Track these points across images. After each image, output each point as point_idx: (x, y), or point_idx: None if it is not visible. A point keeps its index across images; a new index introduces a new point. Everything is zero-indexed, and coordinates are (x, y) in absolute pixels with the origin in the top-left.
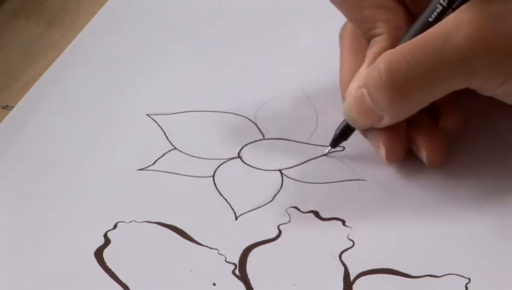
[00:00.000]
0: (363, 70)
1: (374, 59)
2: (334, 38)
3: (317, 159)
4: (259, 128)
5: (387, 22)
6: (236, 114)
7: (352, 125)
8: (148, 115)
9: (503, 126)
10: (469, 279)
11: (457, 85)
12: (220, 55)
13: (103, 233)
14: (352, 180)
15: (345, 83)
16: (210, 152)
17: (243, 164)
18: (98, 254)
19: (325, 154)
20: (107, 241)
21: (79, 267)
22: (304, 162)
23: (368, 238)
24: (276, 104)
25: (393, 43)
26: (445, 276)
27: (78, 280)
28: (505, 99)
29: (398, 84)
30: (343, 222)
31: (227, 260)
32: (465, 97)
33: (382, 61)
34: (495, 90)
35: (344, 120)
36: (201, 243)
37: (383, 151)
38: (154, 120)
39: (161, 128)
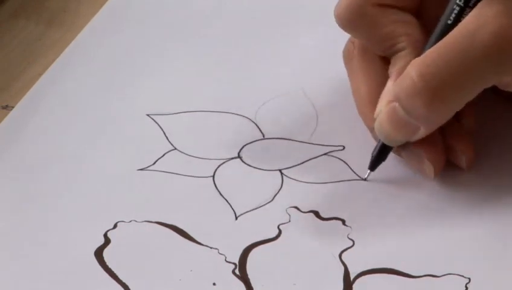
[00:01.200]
0: (390, 85)
1: (400, 74)
2: (334, 38)
3: (317, 159)
4: (259, 128)
5: (408, 36)
6: (237, 114)
7: (387, 143)
8: (148, 115)
9: (499, 124)
10: (469, 279)
11: (489, 82)
12: (220, 55)
13: (103, 233)
14: (352, 180)
15: (364, 105)
16: (210, 152)
17: (243, 163)
18: (98, 254)
19: (365, 179)
20: (107, 241)
21: (79, 267)
22: (304, 162)
23: (368, 238)
24: (276, 104)
25: (417, 55)
26: (445, 276)
27: (78, 279)
28: None
29: (433, 88)
30: (343, 222)
31: (227, 259)
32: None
33: (413, 70)
34: None
35: (379, 140)
36: (202, 242)
37: (429, 167)
38: (154, 120)
39: (161, 128)
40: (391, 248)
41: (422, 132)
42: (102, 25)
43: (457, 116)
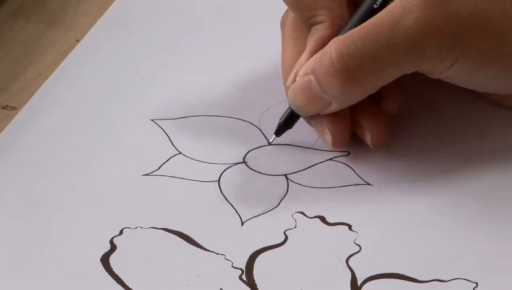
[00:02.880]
0: (304, 57)
1: (316, 46)
2: None
3: (323, 163)
4: (263, 134)
5: (329, 10)
6: (241, 119)
7: (298, 112)
8: (152, 120)
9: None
10: (476, 283)
11: (408, 69)
12: (225, 60)
13: (109, 239)
14: (358, 185)
15: (286, 69)
16: (215, 157)
17: (248, 169)
18: (105, 260)
19: (269, 144)
20: (113, 248)
21: (85, 274)
22: (309, 167)
23: (375, 243)
24: (281, 109)
25: (335, 31)
26: (453, 280)
27: (85, 286)
28: (453, 81)
29: (350, 70)
30: (350, 227)
31: (234, 265)
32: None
33: (333, 48)
34: (444, 73)
35: (288, 108)
36: (208, 248)
37: (328, 137)
38: (159, 125)
39: (166, 133)
40: (398, 252)
41: (333, 108)
42: (106, 28)
43: (377, 97)
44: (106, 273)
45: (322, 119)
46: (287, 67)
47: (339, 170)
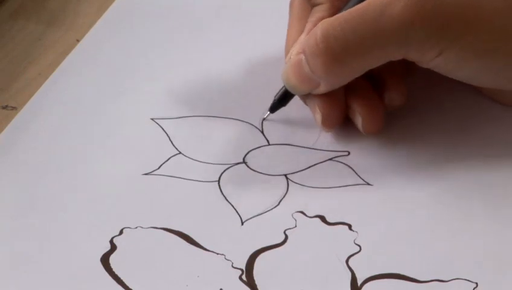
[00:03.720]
0: (303, 37)
1: (313, 27)
2: None
3: (323, 163)
4: (263, 134)
5: None
6: (241, 120)
7: (291, 91)
8: (152, 119)
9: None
10: (476, 283)
11: (393, 55)
12: (225, 60)
13: (109, 239)
14: (358, 185)
15: (287, 49)
16: (215, 157)
17: (248, 169)
18: (105, 260)
19: (263, 120)
20: (113, 247)
21: (85, 274)
22: (309, 167)
23: (375, 243)
24: (280, 110)
25: (334, 12)
26: (453, 281)
27: (85, 286)
28: (441, 70)
29: (333, 51)
30: (350, 227)
31: (234, 265)
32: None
33: (319, 28)
34: (431, 62)
35: (283, 86)
36: (208, 248)
37: (319, 117)
38: (159, 124)
39: (166, 132)
40: (398, 252)
41: (322, 88)
42: (106, 28)
43: (381, 87)
44: (106, 273)
45: (315, 99)
46: (289, 46)
47: (339, 170)
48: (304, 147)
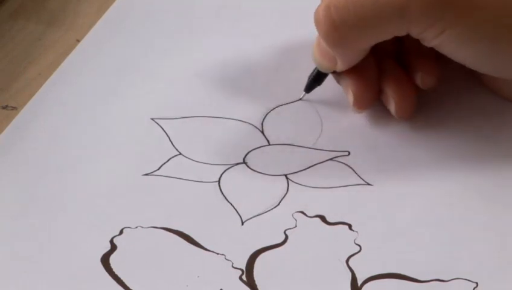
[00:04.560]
0: None
1: None
2: None
3: (323, 164)
4: (264, 135)
5: None
6: (242, 121)
7: (318, 68)
8: (152, 119)
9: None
10: (476, 283)
11: (395, 31)
12: (225, 60)
13: (109, 239)
14: (358, 185)
15: None
16: (215, 157)
17: (248, 169)
18: (105, 260)
19: (300, 99)
20: (114, 247)
21: (86, 274)
22: (310, 167)
23: (375, 243)
24: (281, 110)
25: None
26: (453, 280)
27: (85, 286)
28: (444, 51)
29: (333, 20)
30: (350, 227)
31: (234, 265)
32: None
33: (324, 0)
34: (434, 41)
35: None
36: (208, 248)
37: (350, 96)
38: (159, 124)
39: (166, 133)
40: (398, 252)
41: (339, 64)
42: (106, 28)
43: (413, 68)
44: (106, 274)
45: (347, 79)
46: None
47: (339, 170)
48: (304, 147)
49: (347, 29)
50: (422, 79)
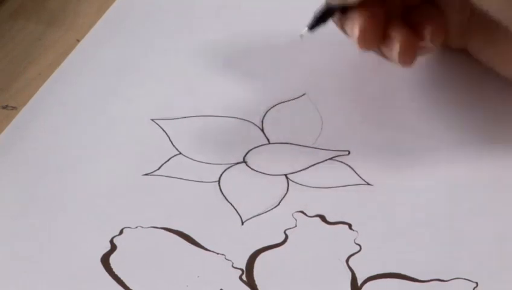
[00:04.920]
0: None
1: None
2: (338, 42)
3: (323, 163)
4: (264, 133)
5: None
6: (241, 119)
7: (329, 1)
8: (152, 120)
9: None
10: (476, 283)
11: None
12: (225, 59)
13: (109, 239)
14: (358, 185)
15: None
16: (215, 157)
17: (248, 168)
18: (105, 260)
19: (301, 36)
20: (113, 247)
21: (85, 274)
22: (310, 167)
23: (375, 243)
24: (281, 109)
25: None
26: (453, 280)
27: (85, 286)
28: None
29: None
30: (350, 226)
31: (234, 265)
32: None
33: None
34: None
35: (324, 1)
36: (208, 248)
37: (356, 32)
38: (159, 125)
39: (166, 133)
40: (398, 252)
41: None
42: (106, 28)
43: (420, 25)
44: (106, 274)
45: (353, 16)
46: None
47: (339, 170)
48: (304, 147)
49: None
50: (431, 32)
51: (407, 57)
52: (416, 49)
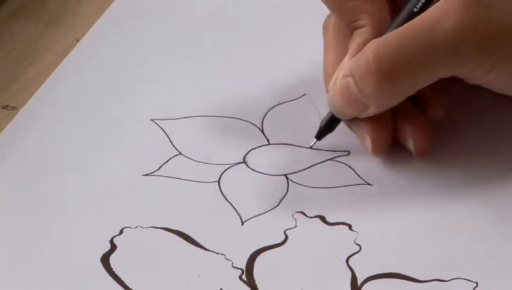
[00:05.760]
0: (347, 60)
1: (357, 50)
2: None
3: (323, 164)
4: (264, 134)
5: (371, 14)
6: (241, 119)
7: (337, 115)
8: (152, 120)
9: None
10: (476, 283)
11: (445, 73)
12: (225, 60)
13: (109, 239)
14: (358, 185)
15: (328, 75)
16: (215, 157)
17: (248, 169)
18: (105, 260)
19: (311, 147)
20: (113, 247)
21: (85, 274)
22: (309, 167)
23: (375, 243)
24: (281, 109)
25: (377, 35)
26: (453, 280)
27: (85, 286)
28: (491, 87)
29: (386, 70)
30: (350, 227)
31: (234, 265)
32: (448, 86)
33: (370, 49)
34: (482, 78)
35: (329, 112)
36: (208, 248)
37: (368, 142)
38: (159, 125)
39: (166, 133)
40: (398, 252)
41: (371, 111)
42: (106, 28)
43: (422, 103)
44: (106, 274)
45: (362, 124)
46: (329, 72)
47: (339, 170)
48: (304, 147)
49: (400, 77)
50: (434, 112)
51: (424, 150)
52: (431, 136)
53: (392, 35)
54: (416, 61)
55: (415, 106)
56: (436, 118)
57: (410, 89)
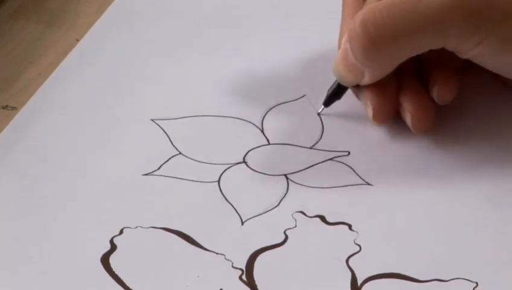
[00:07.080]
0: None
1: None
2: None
3: (323, 163)
4: (264, 134)
5: None
6: (242, 119)
7: (340, 81)
8: (152, 120)
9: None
10: (476, 283)
11: (431, 44)
12: (225, 60)
13: (109, 239)
14: (358, 185)
15: (340, 37)
16: (215, 157)
17: (248, 168)
18: (105, 260)
19: (319, 114)
20: (113, 247)
21: (85, 274)
22: (309, 167)
23: (375, 243)
24: (281, 110)
25: None
26: (453, 280)
27: (85, 286)
28: (479, 62)
29: (370, 36)
30: (350, 227)
31: (234, 265)
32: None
33: (359, 14)
34: (471, 52)
35: (336, 80)
36: (208, 248)
37: (370, 110)
38: (159, 125)
39: (166, 133)
40: (398, 252)
41: (367, 78)
42: (106, 28)
43: (431, 82)
44: (106, 274)
45: (366, 92)
46: (342, 33)
47: (339, 170)
48: (304, 147)
49: (385, 44)
50: (439, 93)
51: (420, 127)
52: (431, 116)
53: (382, 3)
54: (401, 30)
55: (422, 86)
56: (444, 99)
57: (396, 56)
